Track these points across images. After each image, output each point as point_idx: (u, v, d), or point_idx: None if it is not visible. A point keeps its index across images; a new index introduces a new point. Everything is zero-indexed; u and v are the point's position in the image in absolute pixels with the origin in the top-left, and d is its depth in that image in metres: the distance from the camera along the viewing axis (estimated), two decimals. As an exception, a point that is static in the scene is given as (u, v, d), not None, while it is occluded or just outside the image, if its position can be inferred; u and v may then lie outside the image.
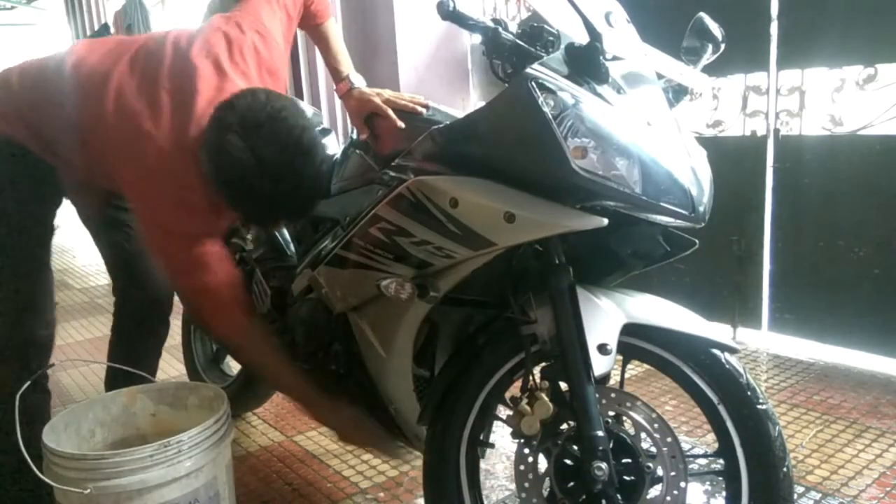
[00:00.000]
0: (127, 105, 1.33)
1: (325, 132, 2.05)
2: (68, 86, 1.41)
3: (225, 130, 1.19)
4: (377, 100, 1.47)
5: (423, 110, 1.44)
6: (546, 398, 1.19)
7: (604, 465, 1.14)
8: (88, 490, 1.31)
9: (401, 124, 1.42)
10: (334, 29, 1.69)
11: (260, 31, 1.46)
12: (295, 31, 1.62)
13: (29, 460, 1.36)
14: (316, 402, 1.51)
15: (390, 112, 1.44)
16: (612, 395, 1.21)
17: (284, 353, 1.54)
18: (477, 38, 3.56)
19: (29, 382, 1.52)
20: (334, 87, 1.64)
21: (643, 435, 1.20)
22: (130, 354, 1.77)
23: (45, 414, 1.61)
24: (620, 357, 1.23)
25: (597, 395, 1.17)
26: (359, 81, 1.58)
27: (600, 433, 1.15)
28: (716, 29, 1.33)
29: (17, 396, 1.45)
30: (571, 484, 1.23)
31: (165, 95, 1.33)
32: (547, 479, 1.23)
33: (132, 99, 1.33)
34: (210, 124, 1.24)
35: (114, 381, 1.79)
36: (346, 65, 1.65)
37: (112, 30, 6.61)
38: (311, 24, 1.67)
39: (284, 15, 1.55)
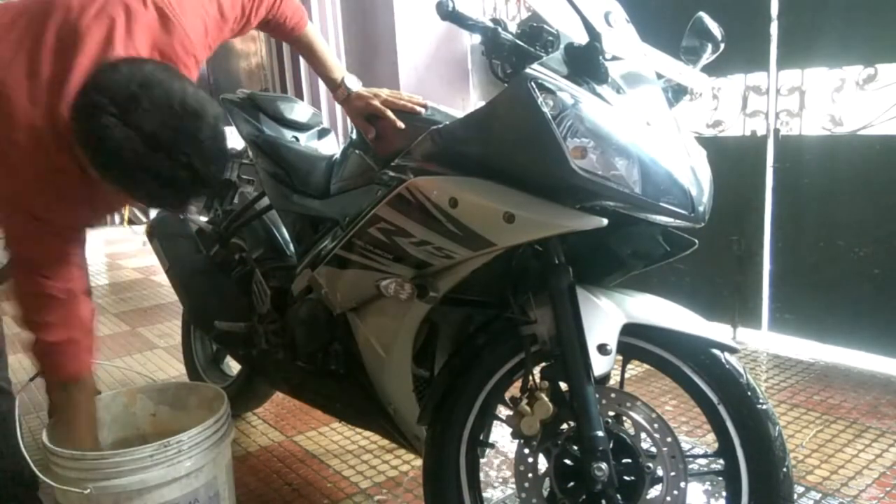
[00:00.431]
0: (3, 71, 1.16)
1: (325, 132, 2.05)
2: None
3: (98, 115, 1.04)
4: (376, 101, 1.45)
5: (422, 110, 1.43)
6: (546, 398, 1.19)
7: (604, 466, 1.14)
8: (88, 490, 1.31)
9: (400, 125, 1.41)
10: (315, 36, 1.59)
11: (165, 12, 1.27)
12: (232, 34, 1.47)
13: (29, 460, 1.36)
14: None
15: (389, 113, 1.42)
16: (612, 395, 1.21)
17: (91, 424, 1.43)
18: (477, 38, 3.56)
19: (29, 381, 1.50)
20: (333, 96, 1.60)
21: (643, 435, 1.20)
22: None
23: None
24: (620, 357, 1.23)
25: (597, 395, 1.17)
26: (354, 84, 1.55)
27: (600, 433, 1.15)
28: (715, 29, 1.33)
29: (18, 396, 1.45)
30: (571, 484, 1.23)
31: (46, 61, 1.17)
32: (547, 479, 1.23)
33: (7, 64, 1.17)
34: (78, 114, 1.07)
35: None
36: (338, 69, 1.58)
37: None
38: (286, 35, 1.56)
39: (216, 11, 1.38)
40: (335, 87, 1.56)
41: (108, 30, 1.20)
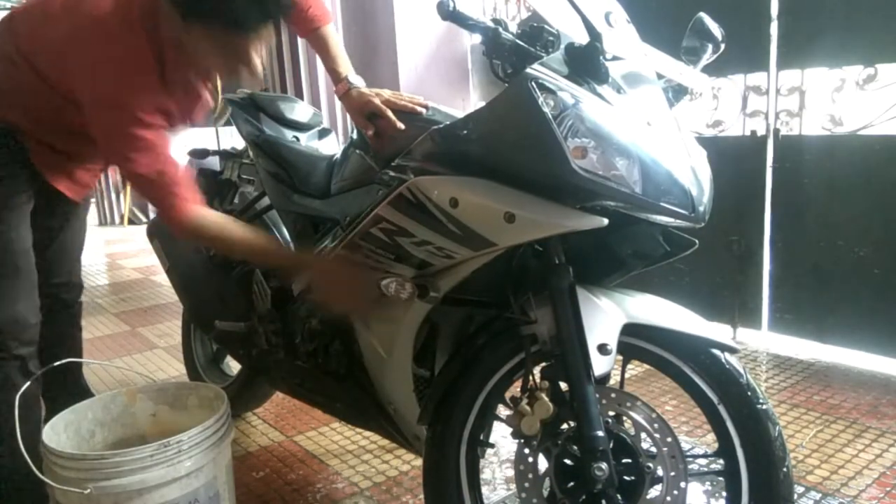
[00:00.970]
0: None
1: (326, 132, 2.05)
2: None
3: None
4: (376, 100, 1.47)
5: (423, 110, 1.44)
6: (546, 398, 1.19)
7: (604, 465, 1.14)
8: (88, 490, 1.31)
9: (400, 126, 1.41)
10: (333, 33, 1.68)
11: None
12: None
13: (29, 461, 1.36)
14: (314, 262, 1.51)
15: (389, 113, 1.43)
16: (612, 395, 1.21)
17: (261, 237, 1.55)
18: (477, 38, 3.56)
19: (28, 383, 1.53)
20: (334, 89, 1.63)
21: (643, 435, 1.20)
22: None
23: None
24: (620, 357, 1.23)
25: (597, 395, 1.17)
26: (358, 82, 1.58)
27: (600, 433, 1.15)
28: (716, 29, 1.33)
29: (18, 398, 1.45)
30: (571, 484, 1.23)
31: None
32: (547, 479, 1.23)
33: None
34: None
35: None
36: (345, 66, 1.63)
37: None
38: (309, 27, 1.66)
39: None
40: (338, 80, 1.60)
41: None
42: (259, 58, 1.34)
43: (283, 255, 1.57)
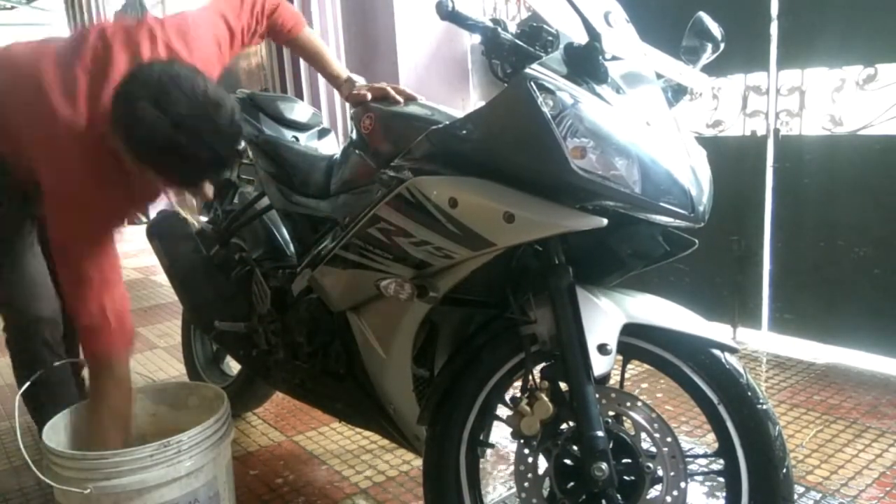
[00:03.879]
0: (46, 86, 1.37)
1: (325, 132, 2.05)
2: None
3: (133, 102, 1.22)
4: (389, 88, 1.52)
5: (421, 98, 1.50)
6: (546, 398, 1.19)
7: (604, 465, 1.14)
8: (88, 490, 1.32)
9: (399, 99, 1.49)
10: (313, 37, 1.72)
11: (184, 35, 1.49)
12: (243, 46, 1.65)
13: (29, 461, 1.36)
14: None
15: (390, 90, 1.50)
16: (612, 395, 1.21)
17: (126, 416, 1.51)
18: (477, 38, 3.56)
19: (27, 386, 1.59)
20: (338, 93, 1.66)
21: (643, 435, 1.19)
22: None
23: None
24: (620, 357, 1.23)
25: (597, 395, 1.17)
26: (356, 79, 1.62)
27: (600, 433, 1.15)
28: (715, 28, 1.33)
29: (18, 399, 1.46)
30: (571, 484, 1.23)
31: (83, 77, 1.38)
32: (547, 479, 1.23)
33: (51, 81, 1.37)
34: (116, 101, 1.26)
35: None
36: (341, 67, 1.68)
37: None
38: (284, 38, 1.70)
39: (224, 29, 1.59)
40: (340, 84, 1.65)
41: (134, 53, 1.42)
42: (209, 184, 1.40)
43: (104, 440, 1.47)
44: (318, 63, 1.72)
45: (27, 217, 1.68)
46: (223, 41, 1.59)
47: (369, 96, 1.52)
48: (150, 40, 1.44)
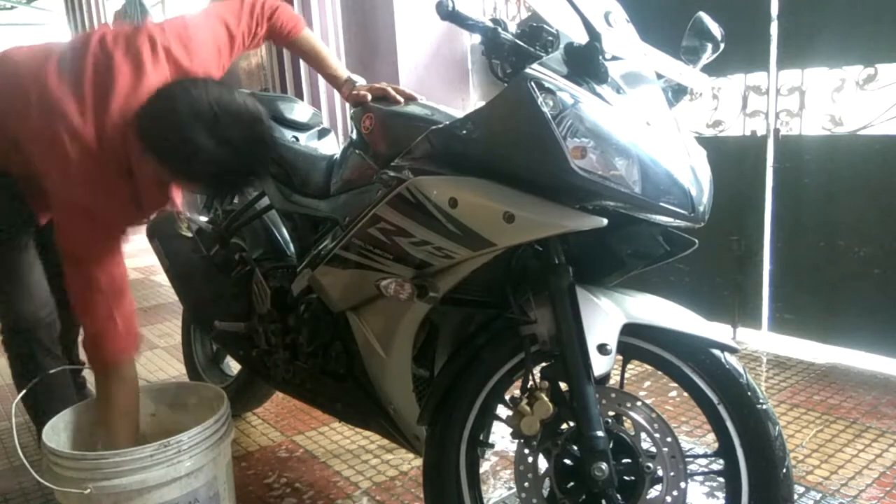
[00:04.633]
0: (51, 95, 1.38)
1: (325, 132, 2.05)
2: None
3: (183, 128, 1.24)
4: (390, 89, 1.54)
5: (420, 97, 1.51)
6: (546, 398, 1.19)
7: (604, 465, 1.14)
8: (88, 490, 1.31)
9: (400, 99, 1.51)
10: (312, 38, 1.73)
11: (185, 41, 1.50)
12: (244, 49, 1.66)
13: (27, 463, 1.36)
14: None
15: (390, 90, 1.52)
16: (612, 395, 1.21)
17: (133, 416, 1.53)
18: (477, 38, 3.56)
19: (26, 390, 1.61)
20: (339, 93, 1.68)
21: (643, 435, 1.20)
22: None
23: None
24: (620, 357, 1.23)
25: (597, 395, 1.17)
26: (357, 79, 1.64)
27: (600, 433, 1.15)
28: (715, 28, 1.33)
29: (14, 406, 1.46)
30: (571, 484, 1.23)
31: (88, 88, 1.39)
32: (547, 479, 1.23)
33: (56, 90, 1.39)
34: (162, 123, 1.27)
35: None
36: (341, 68, 1.69)
37: (112, 30, 6.61)
38: (284, 39, 1.71)
39: (224, 33, 1.60)
40: (341, 84, 1.67)
41: (136, 60, 1.42)
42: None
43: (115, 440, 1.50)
44: (317, 63, 1.73)
45: (23, 219, 1.69)
46: (223, 46, 1.60)
47: (369, 97, 1.53)
48: (151, 47, 1.45)
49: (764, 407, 1.15)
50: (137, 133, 1.30)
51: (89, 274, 1.40)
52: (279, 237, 1.94)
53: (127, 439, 1.47)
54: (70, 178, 1.37)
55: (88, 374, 2.24)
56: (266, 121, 1.33)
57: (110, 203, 1.39)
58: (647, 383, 2.42)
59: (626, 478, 1.20)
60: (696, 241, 1.25)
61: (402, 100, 1.52)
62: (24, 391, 1.61)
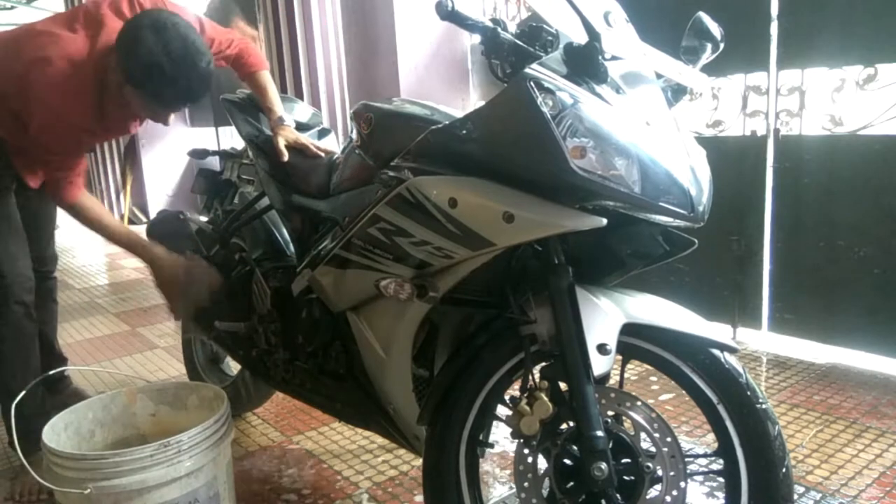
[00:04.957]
0: (41, 31, 1.74)
1: (325, 132, 2.05)
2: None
3: (139, 29, 1.57)
4: (303, 138, 1.82)
5: (322, 155, 1.79)
6: (545, 398, 1.19)
7: (603, 465, 1.14)
8: (88, 490, 1.32)
9: (320, 154, 1.79)
10: (268, 78, 2.00)
11: (173, 8, 1.78)
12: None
13: (26, 463, 1.36)
14: (156, 258, 1.90)
15: (310, 146, 1.80)
16: (612, 395, 1.21)
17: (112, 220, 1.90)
18: (477, 38, 3.55)
19: (32, 384, 1.66)
20: (269, 122, 1.92)
21: (643, 435, 1.19)
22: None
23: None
24: (620, 357, 1.23)
25: (596, 395, 1.17)
26: (287, 120, 1.87)
27: (600, 433, 1.15)
28: (715, 28, 1.33)
29: (13, 409, 1.46)
30: (571, 484, 1.23)
31: (81, 26, 1.73)
32: (547, 479, 1.23)
33: (48, 26, 1.76)
34: (126, 26, 1.60)
35: None
36: (278, 107, 1.92)
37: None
38: (246, 71, 2.00)
39: (206, 25, 1.88)
40: (272, 117, 1.90)
41: (119, 14, 1.76)
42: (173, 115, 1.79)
43: (134, 244, 1.91)
44: (262, 98, 1.96)
45: (7, 175, 1.86)
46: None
47: (284, 155, 1.77)
48: (130, 8, 1.77)
49: (763, 407, 1.15)
50: (115, 46, 1.60)
51: (54, 156, 1.76)
52: (279, 237, 1.94)
53: (114, 221, 1.88)
54: (56, 90, 1.64)
55: (74, 374, 2.38)
56: (208, 60, 1.61)
57: (80, 108, 1.68)
58: (655, 386, 2.42)
59: (625, 477, 1.20)
60: (696, 240, 1.25)
61: (321, 154, 1.78)
62: (20, 396, 1.59)
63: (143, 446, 1.34)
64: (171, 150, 6.78)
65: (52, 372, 1.83)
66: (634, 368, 2.49)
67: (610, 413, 1.22)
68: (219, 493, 1.47)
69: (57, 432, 1.49)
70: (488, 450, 1.48)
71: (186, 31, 1.59)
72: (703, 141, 1.60)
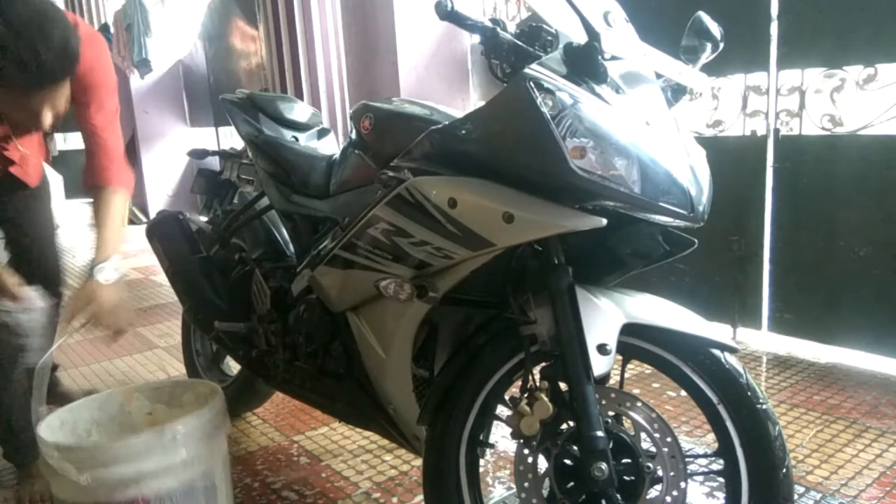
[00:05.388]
0: None
1: (325, 132, 2.05)
2: None
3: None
4: (96, 307, 1.54)
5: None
6: (546, 398, 1.19)
7: (603, 466, 1.14)
8: (85, 479, 1.31)
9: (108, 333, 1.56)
10: (116, 201, 1.66)
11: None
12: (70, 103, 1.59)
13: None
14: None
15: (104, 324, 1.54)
16: (612, 395, 1.21)
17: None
18: (477, 38, 3.55)
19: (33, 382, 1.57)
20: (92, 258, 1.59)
21: (643, 435, 1.19)
22: None
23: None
24: (620, 357, 1.23)
25: (596, 395, 1.17)
26: (107, 273, 1.56)
27: (600, 433, 1.15)
28: (714, 28, 1.33)
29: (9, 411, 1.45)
30: (571, 484, 1.23)
31: None
32: (547, 479, 1.23)
33: None
34: None
35: None
36: (109, 249, 1.60)
37: (112, 29, 6.62)
38: (93, 181, 1.67)
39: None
40: (95, 260, 1.58)
41: None
42: (51, 111, 1.43)
43: None
44: (100, 226, 1.64)
45: None
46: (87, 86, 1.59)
47: (74, 323, 1.55)
48: None
49: (764, 407, 1.15)
50: None
51: None
52: (279, 237, 1.94)
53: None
54: None
55: (63, 374, 2.29)
56: (64, 29, 1.33)
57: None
58: (655, 385, 2.42)
59: (625, 478, 1.20)
60: (696, 240, 1.25)
61: (110, 333, 1.55)
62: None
63: (139, 434, 1.33)
64: (170, 151, 6.78)
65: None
66: (634, 368, 2.49)
67: (610, 413, 1.22)
68: (215, 484, 1.46)
69: (53, 431, 1.49)
70: (488, 450, 1.48)
71: (43, 5, 1.32)
72: (703, 141, 1.59)
